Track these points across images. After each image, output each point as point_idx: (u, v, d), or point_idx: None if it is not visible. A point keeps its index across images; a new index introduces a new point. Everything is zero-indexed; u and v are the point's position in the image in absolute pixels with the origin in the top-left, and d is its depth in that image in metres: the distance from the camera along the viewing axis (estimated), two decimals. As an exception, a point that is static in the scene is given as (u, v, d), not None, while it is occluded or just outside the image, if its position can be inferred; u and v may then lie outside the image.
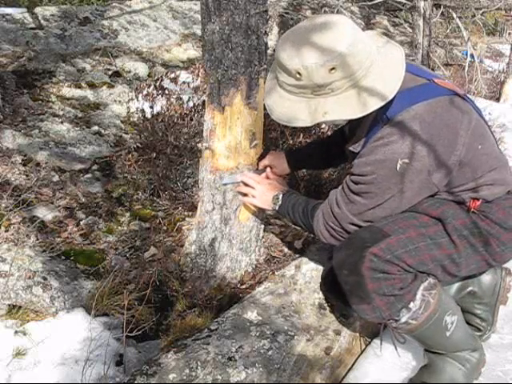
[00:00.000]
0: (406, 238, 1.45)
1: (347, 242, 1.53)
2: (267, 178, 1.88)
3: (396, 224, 1.48)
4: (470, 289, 1.78)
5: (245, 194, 1.84)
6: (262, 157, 1.91)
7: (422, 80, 1.48)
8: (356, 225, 1.53)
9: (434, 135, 1.39)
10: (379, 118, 1.44)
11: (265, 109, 1.94)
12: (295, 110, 1.44)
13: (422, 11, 5.73)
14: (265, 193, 1.78)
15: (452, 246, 1.47)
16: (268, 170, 1.90)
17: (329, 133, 2.64)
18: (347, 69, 1.34)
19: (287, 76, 1.41)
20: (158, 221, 2.39)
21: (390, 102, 1.40)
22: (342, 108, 1.38)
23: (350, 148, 1.56)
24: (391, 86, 1.38)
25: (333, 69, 1.33)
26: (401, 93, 1.40)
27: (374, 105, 1.37)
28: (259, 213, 1.97)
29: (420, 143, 1.37)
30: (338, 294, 1.76)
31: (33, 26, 4.74)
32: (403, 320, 1.50)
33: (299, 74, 1.36)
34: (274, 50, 1.46)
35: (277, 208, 1.74)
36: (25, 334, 1.65)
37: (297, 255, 2.07)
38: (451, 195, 1.50)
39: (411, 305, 1.48)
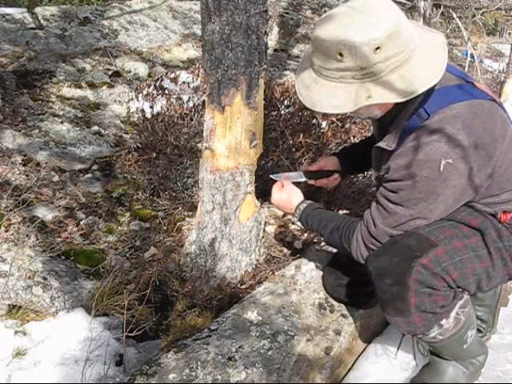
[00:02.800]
0: (451, 249, 1.38)
1: (391, 248, 1.42)
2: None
3: (440, 233, 1.39)
4: None
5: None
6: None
7: (461, 81, 1.41)
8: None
9: (475, 137, 1.31)
10: (417, 113, 1.35)
11: (265, 109, 1.95)
12: (333, 97, 1.33)
13: (422, 11, 5.73)
14: (285, 199, 1.76)
15: (489, 259, 1.40)
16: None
17: (329, 133, 2.64)
18: (392, 49, 1.25)
19: (326, 58, 1.30)
20: (158, 221, 2.39)
21: (430, 97, 1.33)
22: (386, 91, 1.28)
23: (382, 145, 1.42)
24: (436, 69, 1.29)
25: (378, 48, 1.23)
26: (441, 89, 1.33)
27: (421, 88, 1.27)
28: (259, 213, 1.97)
29: (462, 143, 1.29)
30: (339, 295, 1.77)
31: (33, 25, 4.73)
32: (432, 335, 1.46)
33: (341, 54, 1.26)
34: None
35: (295, 219, 1.73)
36: (25, 333, 1.65)
37: (297, 255, 2.06)
38: (484, 206, 1.42)
39: (443, 321, 1.44)
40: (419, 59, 1.30)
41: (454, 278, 1.38)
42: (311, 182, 1.90)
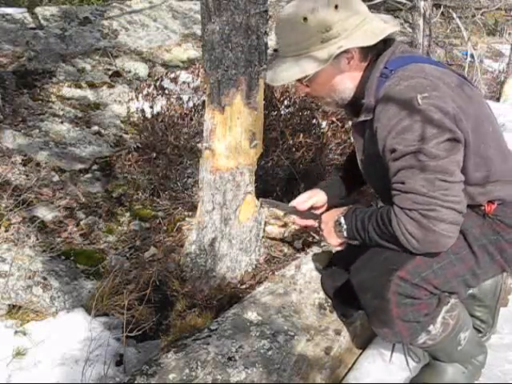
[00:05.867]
0: (430, 257, 1.37)
1: (370, 262, 1.42)
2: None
3: None
4: (470, 291, 1.76)
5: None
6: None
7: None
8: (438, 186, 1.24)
9: (445, 96, 1.26)
10: (382, 75, 1.35)
11: (265, 109, 1.95)
12: (295, 66, 1.36)
13: (422, 11, 5.73)
14: (326, 224, 1.55)
15: (472, 258, 1.40)
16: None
17: (329, 133, 2.64)
18: (350, 8, 1.35)
19: (291, 31, 1.36)
20: (158, 221, 2.39)
21: (394, 60, 1.35)
22: (353, 38, 1.34)
23: (362, 118, 1.39)
24: (392, 25, 1.40)
25: (336, 6, 1.32)
26: (408, 55, 1.37)
27: (384, 31, 1.37)
28: (259, 213, 1.97)
29: (434, 85, 1.26)
30: (340, 296, 1.77)
31: (33, 25, 4.74)
32: (421, 341, 1.47)
33: (305, 19, 1.32)
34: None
35: (345, 234, 1.47)
36: (25, 333, 1.65)
37: (297, 255, 2.06)
38: (467, 196, 1.35)
39: (431, 328, 1.44)
40: (376, 22, 1.39)
41: (435, 285, 1.38)
42: (297, 220, 1.73)
